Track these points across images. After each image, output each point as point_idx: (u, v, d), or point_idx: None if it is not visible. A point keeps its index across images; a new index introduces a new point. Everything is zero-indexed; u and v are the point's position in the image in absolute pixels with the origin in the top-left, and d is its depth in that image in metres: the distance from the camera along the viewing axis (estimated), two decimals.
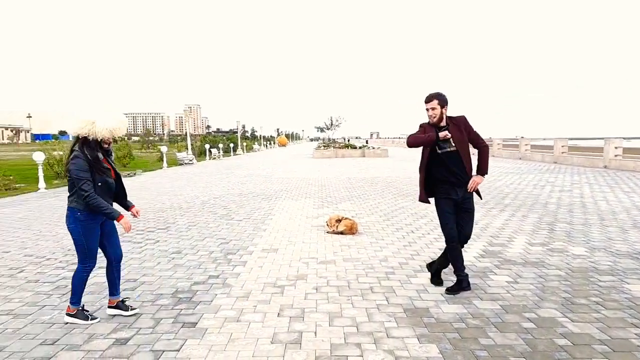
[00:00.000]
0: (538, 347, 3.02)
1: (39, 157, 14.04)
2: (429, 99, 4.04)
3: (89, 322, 3.54)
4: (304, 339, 3.20)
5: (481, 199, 4.47)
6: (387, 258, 5.29)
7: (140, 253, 5.70)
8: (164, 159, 25.20)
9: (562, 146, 24.38)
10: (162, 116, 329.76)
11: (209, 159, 34.34)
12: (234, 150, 47.06)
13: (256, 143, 75.09)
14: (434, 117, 4.02)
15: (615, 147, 19.77)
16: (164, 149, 26.44)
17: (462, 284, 4.13)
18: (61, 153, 19.21)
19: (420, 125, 4.19)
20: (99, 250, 3.67)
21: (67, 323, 3.54)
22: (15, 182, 15.76)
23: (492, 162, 24.87)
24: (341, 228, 6.63)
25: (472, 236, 6.32)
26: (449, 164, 4.01)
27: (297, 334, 3.27)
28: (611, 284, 4.27)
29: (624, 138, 21.52)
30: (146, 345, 3.15)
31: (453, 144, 4.00)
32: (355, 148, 36.68)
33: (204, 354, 3.00)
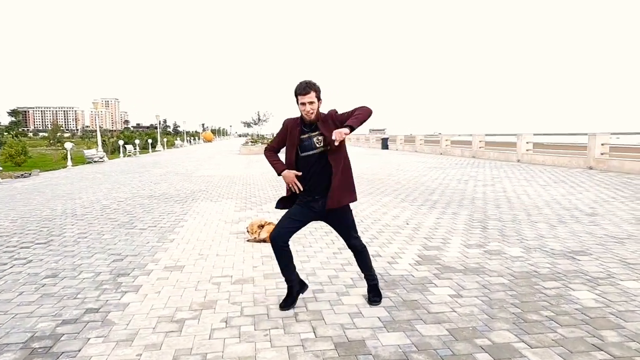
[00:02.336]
0: None
1: None
2: (305, 91, 3.25)
3: None
4: None
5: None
6: (315, 271, 4.55)
7: None
8: (69, 156, 22.74)
9: (480, 141, 25.41)
10: (75, 110, 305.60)
11: (124, 156, 31.76)
12: (153, 147, 44.23)
13: (179, 139, 71.67)
14: (312, 112, 3.30)
15: (527, 142, 20.82)
16: (68, 145, 23.89)
17: (292, 292, 3.64)
18: None
19: (284, 123, 3.52)
20: None
21: None
22: None
23: (415, 158, 25.43)
24: (263, 235, 5.78)
25: (405, 238, 5.89)
26: (311, 168, 3.39)
27: None
28: (557, 292, 3.85)
29: (535, 134, 22.82)
30: None
31: (319, 145, 3.35)
32: None
33: None
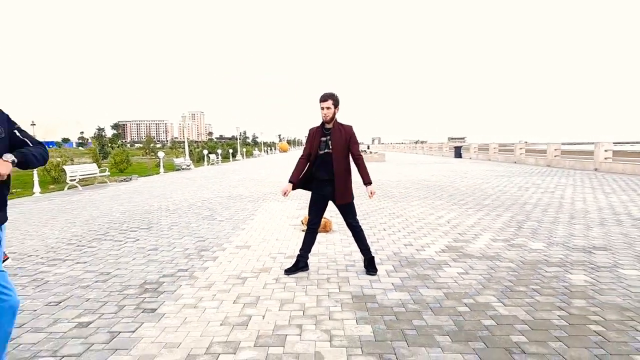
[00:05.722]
0: (464, 327, 3.26)
1: None
2: (324, 99, 4.40)
3: None
4: (252, 321, 3.45)
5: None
6: (352, 253, 5.54)
7: (119, 250, 5.97)
8: (161, 164, 25.59)
9: (555, 149, 24.66)
10: (165, 123, 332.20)
11: (207, 165, 34.67)
12: (233, 156, 47.44)
13: (256, 149, 75.54)
14: (328, 116, 4.40)
15: (605, 150, 20.02)
16: (160, 154, 26.84)
17: (299, 264, 4.74)
18: (59, 159, 19.83)
19: (309, 131, 4.65)
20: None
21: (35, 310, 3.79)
22: (12, 187, 16.22)
23: (486, 166, 25.27)
24: None
25: (440, 233, 6.67)
26: (324, 164, 4.47)
27: (247, 318, 3.53)
28: (555, 274, 4.50)
29: (615, 142, 21.80)
30: (105, 327, 3.40)
31: (330, 147, 4.42)
32: None
33: (156, 334, 3.25)
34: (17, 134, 2.58)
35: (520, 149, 29.23)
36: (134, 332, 3.31)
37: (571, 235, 6.39)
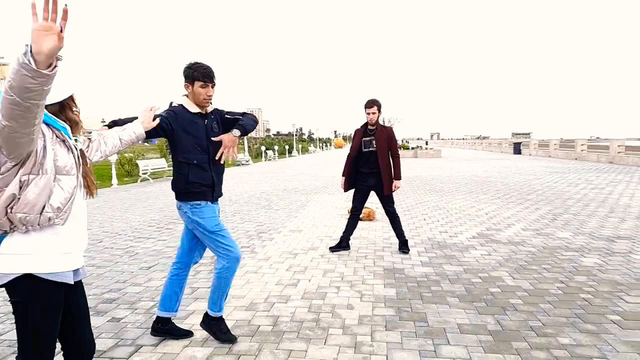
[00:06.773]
0: (473, 292, 3.95)
1: (112, 157, 16.31)
2: (371, 105, 5.15)
3: None
4: (300, 283, 4.33)
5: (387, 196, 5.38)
6: (390, 237, 6.27)
7: None
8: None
9: (619, 146, 23.71)
10: None
11: (265, 160, 36.28)
12: (290, 152, 48.99)
13: (312, 145, 77.01)
14: (373, 119, 5.16)
15: None
16: None
17: (342, 244, 5.58)
18: (132, 155, 21.99)
19: (354, 132, 5.41)
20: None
21: None
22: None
23: (544, 163, 24.88)
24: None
25: (476, 223, 7.22)
26: (368, 160, 5.20)
27: (296, 280, 4.41)
28: (569, 257, 5.02)
29: None
30: (187, 285, 4.40)
31: (375, 146, 5.14)
32: (408, 149, 37.22)
33: None
34: (228, 117, 3.05)
35: (582, 145, 28.27)
36: (209, 288, 4.28)
37: (601, 226, 6.74)
